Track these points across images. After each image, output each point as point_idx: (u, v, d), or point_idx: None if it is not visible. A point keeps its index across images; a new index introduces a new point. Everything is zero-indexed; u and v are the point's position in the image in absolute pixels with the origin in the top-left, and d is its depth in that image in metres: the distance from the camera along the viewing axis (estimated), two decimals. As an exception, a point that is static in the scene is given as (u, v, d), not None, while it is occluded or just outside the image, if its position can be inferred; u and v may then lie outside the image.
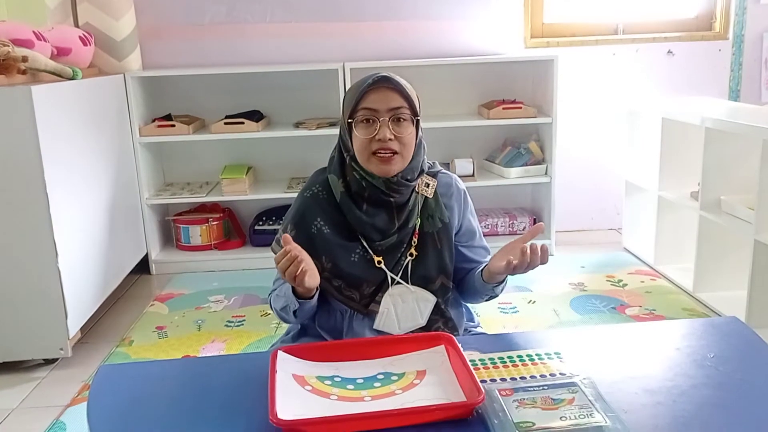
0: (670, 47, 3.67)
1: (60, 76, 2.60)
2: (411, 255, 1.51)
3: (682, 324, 1.45)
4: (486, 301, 1.59)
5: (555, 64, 3.27)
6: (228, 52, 3.51)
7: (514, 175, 3.39)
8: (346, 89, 3.23)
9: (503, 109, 3.32)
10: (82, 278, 2.52)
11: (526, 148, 3.44)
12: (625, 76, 3.68)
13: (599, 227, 3.86)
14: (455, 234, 1.57)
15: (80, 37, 3.00)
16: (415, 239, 1.51)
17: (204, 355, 2.38)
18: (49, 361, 2.41)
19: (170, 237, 3.56)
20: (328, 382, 1.16)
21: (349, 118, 1.45)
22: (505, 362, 1.28)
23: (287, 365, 1.17)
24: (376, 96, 1.43)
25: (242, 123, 3.27)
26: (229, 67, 3.38)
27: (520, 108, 3.34)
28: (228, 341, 2.53)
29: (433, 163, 1.61)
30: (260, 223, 3.50)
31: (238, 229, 3.60)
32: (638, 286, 2.96)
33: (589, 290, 2.93)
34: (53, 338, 2.35)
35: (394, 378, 1.18)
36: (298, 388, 1.13)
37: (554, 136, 3.34)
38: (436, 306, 1.51)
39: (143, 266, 3.36)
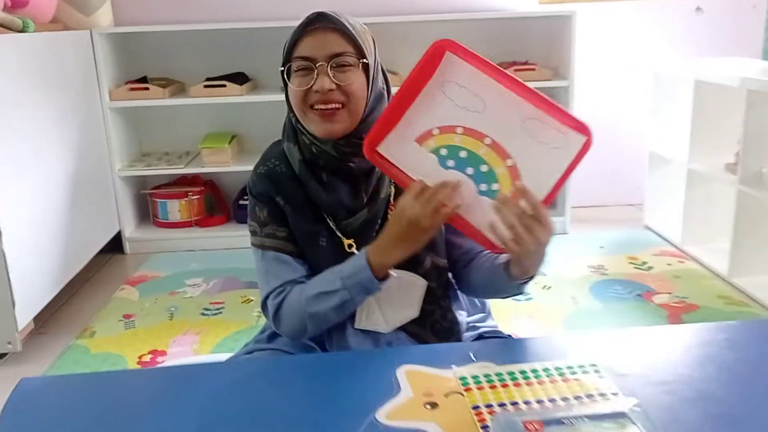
0: (698, 3, 3.31)
1: (8, 28, 2.26)
2: None
3: (745, 326, 1.15)
4: (507, 297, 1.26)
5: (572, 21, 2.92)
6: (210, 5, 3.15)
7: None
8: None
9: (515, 71, 2.98)
10: (35, 261, 2.21)
11: (540, 114, 3.10)
12: (649, 35, 3.32)
13: (617, 202, 3.53)
14: None
15: (39, -13, 2.65)
16: (390, 212, 1.22)
17: (162, 365, 2.07)
18: (-2, 356, 2.12)
19: (147, 212, 3.24)
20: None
21: (282, 67, 1.18)
22: (529, 378, 0.99)
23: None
24: (311, 40, 1.15)
25: (224, 86, 2.94)
26: (211, 23, 3.03)
27: (534, 70, 3.00)
28: (203, 333, 2.23)
29: None
30: (245, 197, 3.16)
31: (221, 203, 3.28)
32: (665, 270, 2.64)
33: (610, 274, 2.61)
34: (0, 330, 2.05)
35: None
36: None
37: (571, 102, 3.00)
38: (430, 291, 1.22)
39: (117, 245, 3.05)
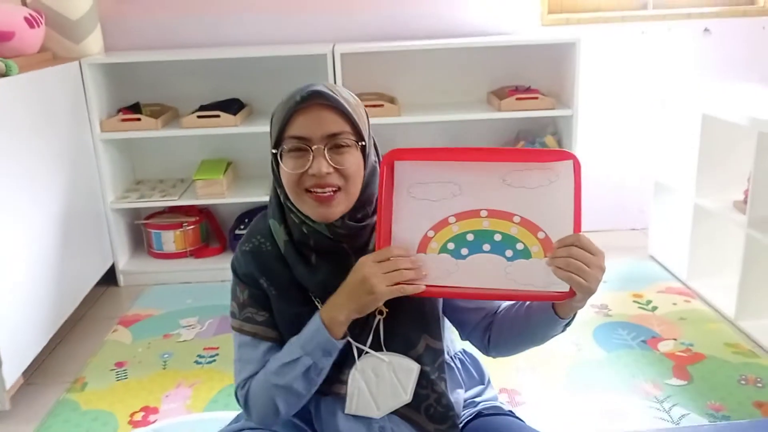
0: (706, 25, 3.22)
1: (-9, 73, 2.18)
2: (381, 313, 1.16)
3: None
4: (541, 344, 1.21)
5: (576, 48, 2.83)
6: (203, 31, 3.07)
7: (529, 174, 2.98)
8: (335, 80, 2.93)
9: (516, 99, 2.90)
10: (24, 314, 2.14)
11: (542, 143, 3.02)
12: (656, 58, 3.23)
13: (621, 227, 3.46)
14: None
15: (26, 18, 2.56)
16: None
17: None
18: (-15, 414, 2.06)
19: (141, 242, 3.18)
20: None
21: (273, 148, 1.12)
22: None
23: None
24: (306, 119, 1.09)
25: (218, 116, 2.86)
26: (205, 50, 2.94)
27: (536, 98, 2.91)
28: (196, 386, 2.17)
29: None
30: (241, 226, 3.11)
31: (217, 232, 3.21)
32: (671, 311, 2.57)
33: (614, 315, 2.55)
34: (-13, 390, 1.99)
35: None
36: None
37: (575, 131, 2.91)
38: (423, 374, 1.17)
39: (111, 277, 2.99)
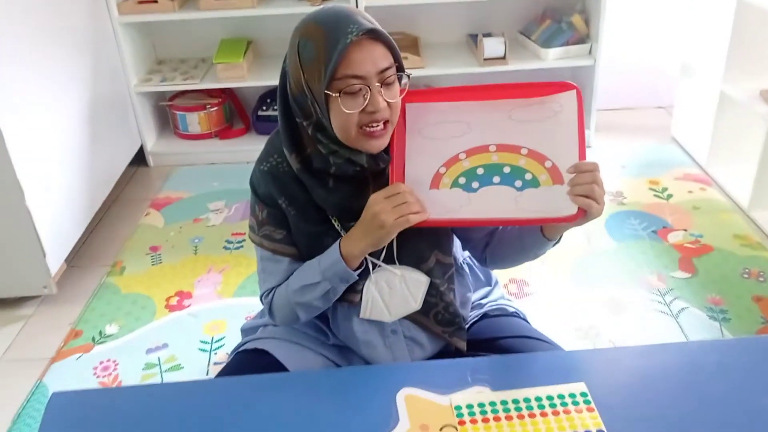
0: None
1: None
2: None
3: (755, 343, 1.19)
4: (533, 260, 1.31)
5: None
6: None
7: (553, 56, 2.92)
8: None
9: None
10: (61, 206, 2.27)
11: (569, 22, 2.93)
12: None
13: (647, 105, 3.41)
14: None
15: None
16: None
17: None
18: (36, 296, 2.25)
19: (167, 124, 3.24)
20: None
21: (326, 89, 1.10)
22: (521, 410, 1.06)
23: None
24: (361, 56, 1.08)
25: (235, -3, 2.80)
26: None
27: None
28: (225, 271, 2.32)
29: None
30: (264, 107, 3.14)
31: (241, 113, 3.25)
32: (685, 199, 2.61)
33: (628, 203, 2.60)
34: (35, 278, 2.16)
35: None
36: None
37: (603, 8, 2.81)
38: (433, 286, 1.27)
39: (141, 158, 3.09)
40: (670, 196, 2.64)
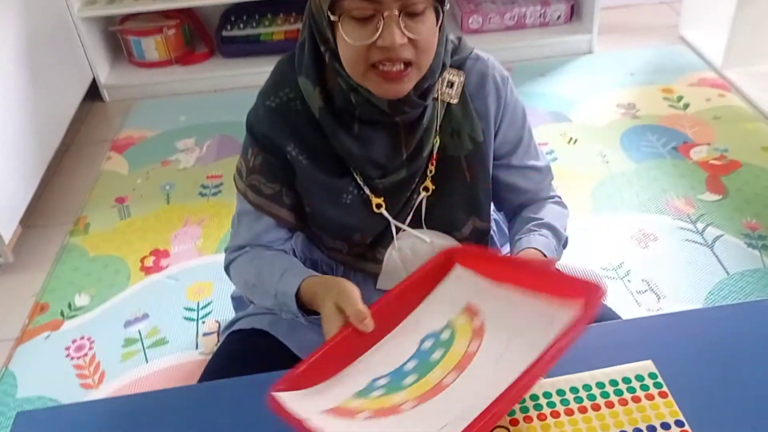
0: None
1: None
2: (426, 190, 1.04)
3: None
4: None
5: None
6: None
7: (552, -49, 2.59)
8: None
9: None
10: (5, 163, 1.97)
11: None
12: None
13: (648, 0, 3.12)
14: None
15: None
16: (432, 167, 1.02)
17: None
18: (-10, 264, 1.99)
19: (120, 51, 2.87)
20: (378, 393, 0.77)
21: (330, 11, 0.86)
22: (581, 401, 0.86)
23: (307, 403, 0.74)
24: None
25: None
26: None
27: None
28: (204, 223, 2.07)
29: (458, 41, 1.03)
30: (228, 27, 2.78)
31: (202, 34, 2.89)
32: (703, 108, 2.38)
33: (642, 116, 2.36)
34: (-14, 246, 1.89)
35: (438, 353, 0.80)
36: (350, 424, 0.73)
37: None
38: None
39: (94, 92, 2.75)
40: (686, 105, 2.41)
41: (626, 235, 1.87)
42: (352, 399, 0.77)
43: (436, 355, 0.81)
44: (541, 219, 1.07)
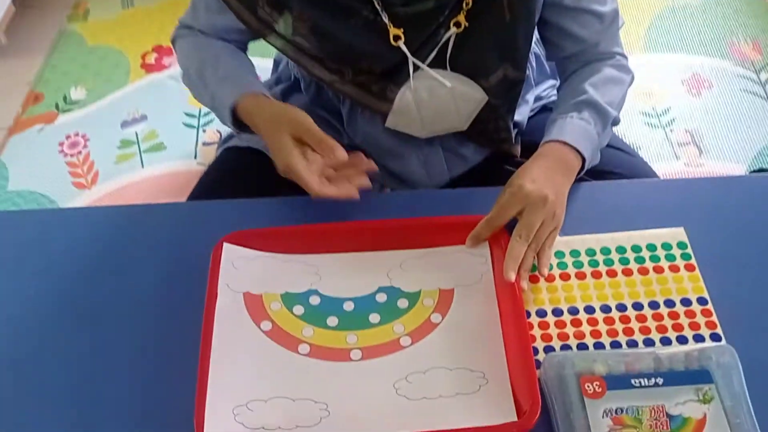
0: None
1: None
2: (458, 26, 0.87)
3: None
4: None
5: None
6: None
7: None
8: None
9: None
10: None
11: None
12: None
13: None
14: None
15: None
16: (466, 2, 0.86)
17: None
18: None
19: None
20: (299, 309, 0.74)
21: None
22: (597, 265, 0.77)
23: (239, 273, 0.75)
24: None
25: None
26: None
27: None
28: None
29: None
30: None
31: None
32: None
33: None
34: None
35: (402, 305, 0.75)
36: (252, 331, 0.71)
37: None
38: (489, 106, 0.93)
39: None
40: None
41: (677, 79, 1.68)
42: (291, 313, 0.73)
43: (402, 303, 0.75)
44: (589, 94, 0.89)
